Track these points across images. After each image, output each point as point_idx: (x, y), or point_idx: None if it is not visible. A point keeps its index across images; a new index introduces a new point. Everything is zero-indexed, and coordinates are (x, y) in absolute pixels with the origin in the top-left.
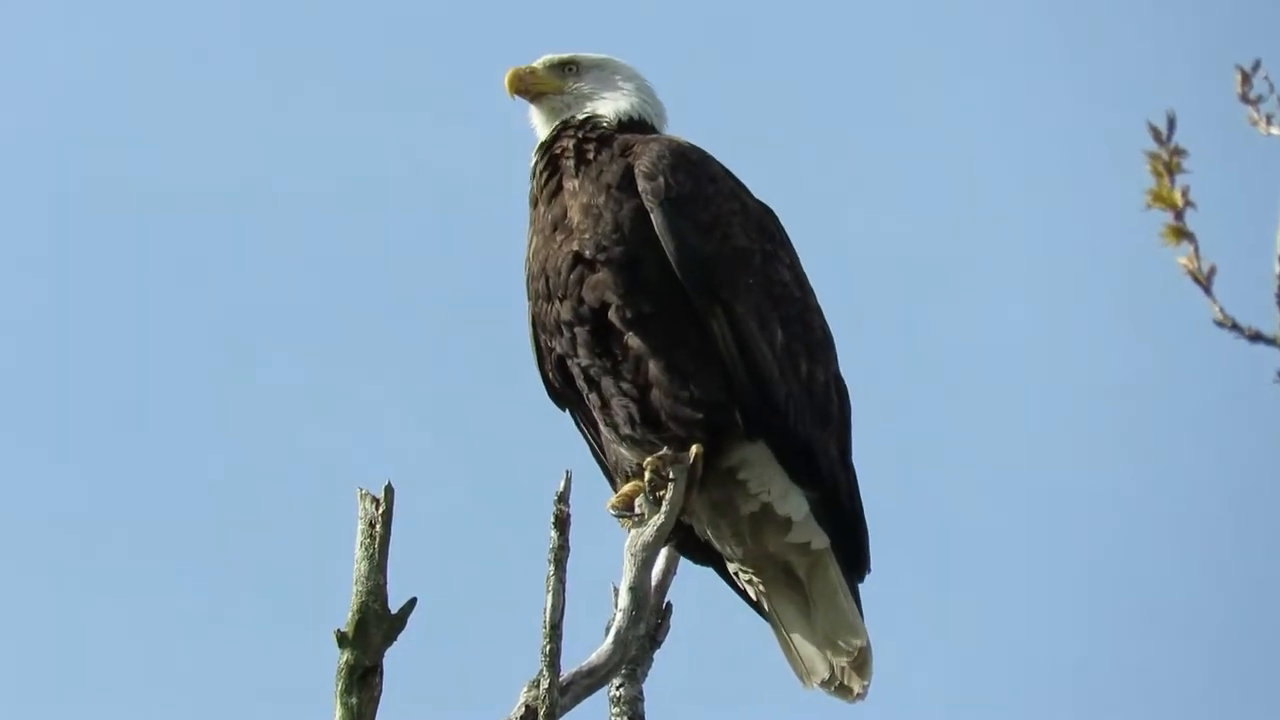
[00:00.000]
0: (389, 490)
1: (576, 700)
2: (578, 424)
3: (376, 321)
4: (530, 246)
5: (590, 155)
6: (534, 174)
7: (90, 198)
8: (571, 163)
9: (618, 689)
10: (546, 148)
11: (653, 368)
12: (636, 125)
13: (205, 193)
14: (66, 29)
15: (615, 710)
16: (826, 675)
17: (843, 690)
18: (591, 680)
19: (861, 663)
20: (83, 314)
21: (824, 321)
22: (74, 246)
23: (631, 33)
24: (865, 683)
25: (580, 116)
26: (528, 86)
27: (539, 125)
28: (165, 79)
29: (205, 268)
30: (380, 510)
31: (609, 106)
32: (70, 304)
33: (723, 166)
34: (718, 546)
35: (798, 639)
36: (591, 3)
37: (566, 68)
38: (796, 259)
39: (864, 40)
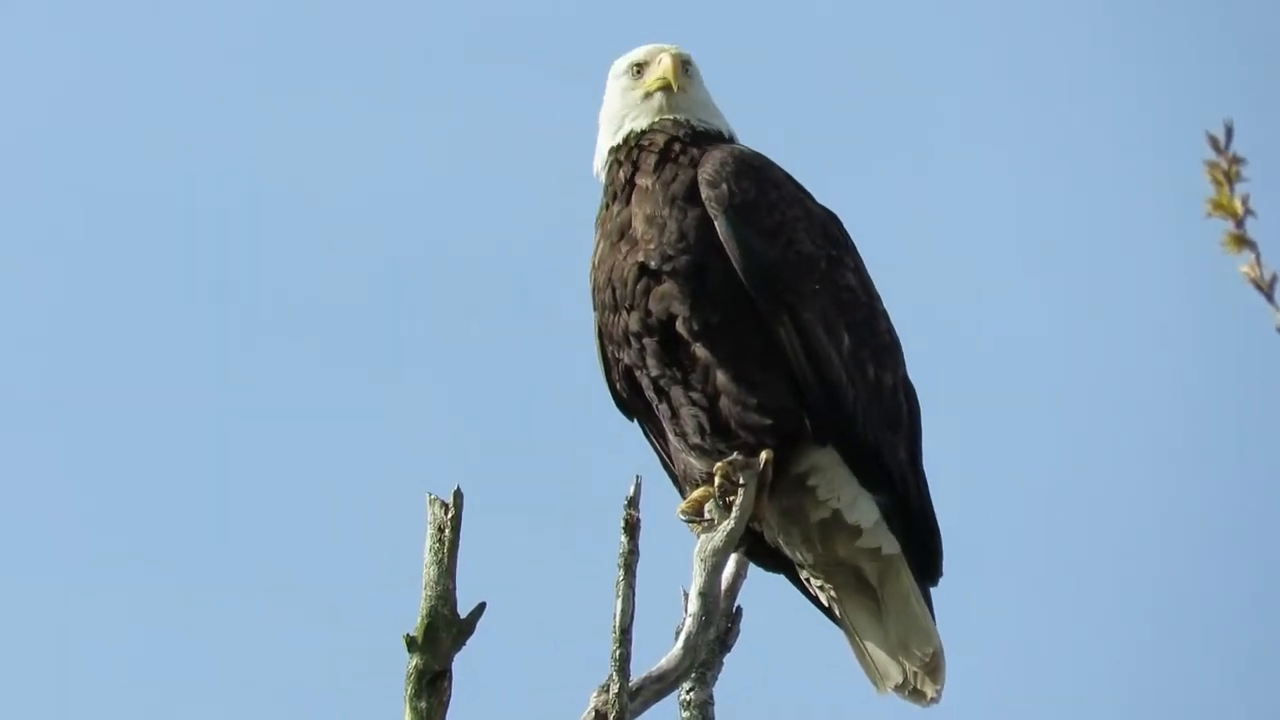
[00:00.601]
0: (458, 495)
1: (646, 705)
2: (646, 434)
3: (444, 321)
4: (597, 252)
5: (675, 154)
6: (615, 161)
7: (130, 199)
8: (654, 158)
9: (687, 693)
10: (637, 138)
11: (720, 376)
12: (725, 142)
13: (250, 195)
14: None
15: (685, 715)
16: (900, 680)
17: (916, 695)
18: (661, 685)
19: (935, 667)
20: (138, 317)
21: (890, 326)
22: (116, 249)
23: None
24: (939, 687)
25: (691, 119)
26: (681, 74)
27: (643, 112)
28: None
29: (273, 272)
30: (449, 515)
31: (718, 121)
32: (129, 309)
33: (785, 172)
34: (788, 553)
35: (870, 644)
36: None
37: (688, 68)
38: (861, 263)
39: (909, 40)
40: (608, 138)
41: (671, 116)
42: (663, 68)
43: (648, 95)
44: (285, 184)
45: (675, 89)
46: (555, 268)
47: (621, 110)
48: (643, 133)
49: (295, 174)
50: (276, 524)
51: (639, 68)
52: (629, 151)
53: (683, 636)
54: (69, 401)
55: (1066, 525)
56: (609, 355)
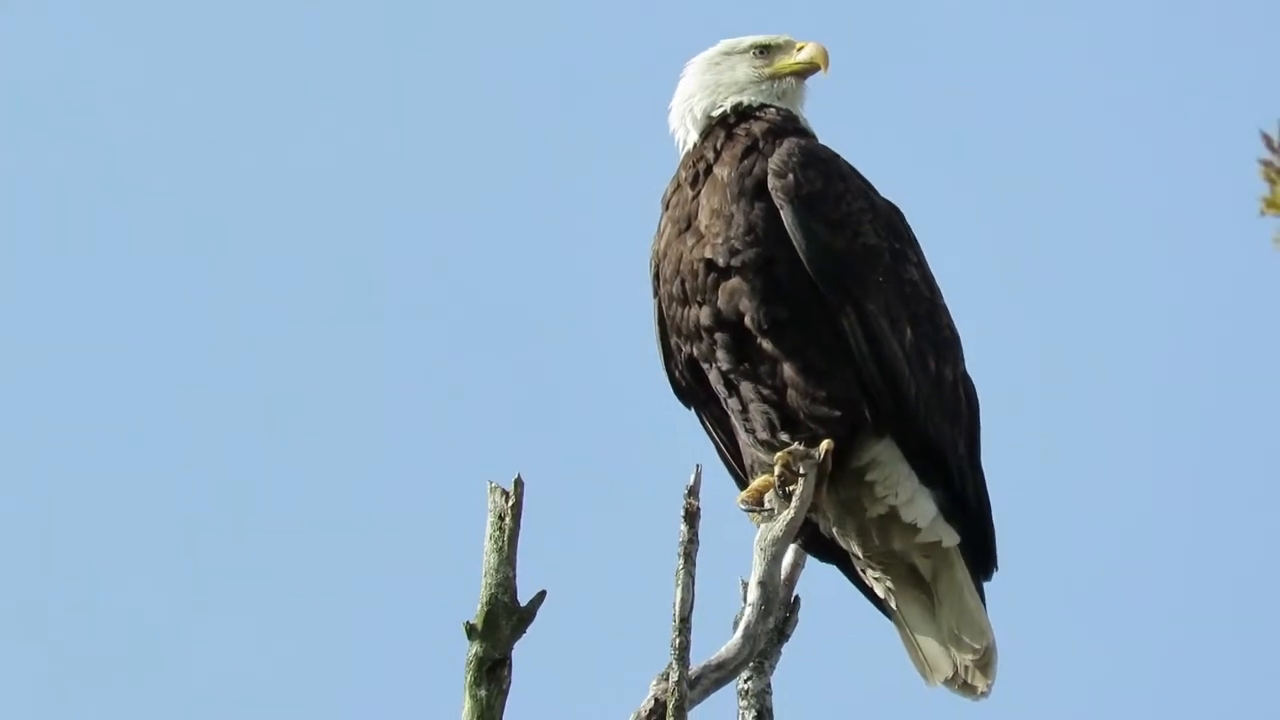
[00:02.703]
0: (518, 483)
1: (705, 693)
2: (703, 422)
3: (500, 306)
4: (662, 236)
5: (764, 145)
6: (710, 131)
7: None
8: (743, 146)
9: (746, 682)
10: (745, 112)
11: (788, 369)
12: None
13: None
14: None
15: (743, 703)
16: (950, 673)
17: (966, 688)
18: (720, 674)
19: (986, 661)
20: (191, 303)
21: (951, 321)
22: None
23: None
24: (989, 681)
25: (799, 116)
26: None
27: (762, 92)
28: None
29: (325, 263)
30: (510, 503)
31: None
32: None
33: (851, 166)
34: (843, 544)
35: (922, 637)
36: None
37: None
38: (924, 258)
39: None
40: (709, 104)
41: (786, 106)
42: (815, 51)
43: (777, 76)
44: (316, 181)
45: (826, 72)
46: (613, 255)
47: (733, 82)
48: (752, 109)
49: (325, 168)
50: (338, 511)
51: (763, 49)
52: (728, 128)
53: (742, 625)
54: (129, 394)
55: (1122, 523)
56: (672, 344)
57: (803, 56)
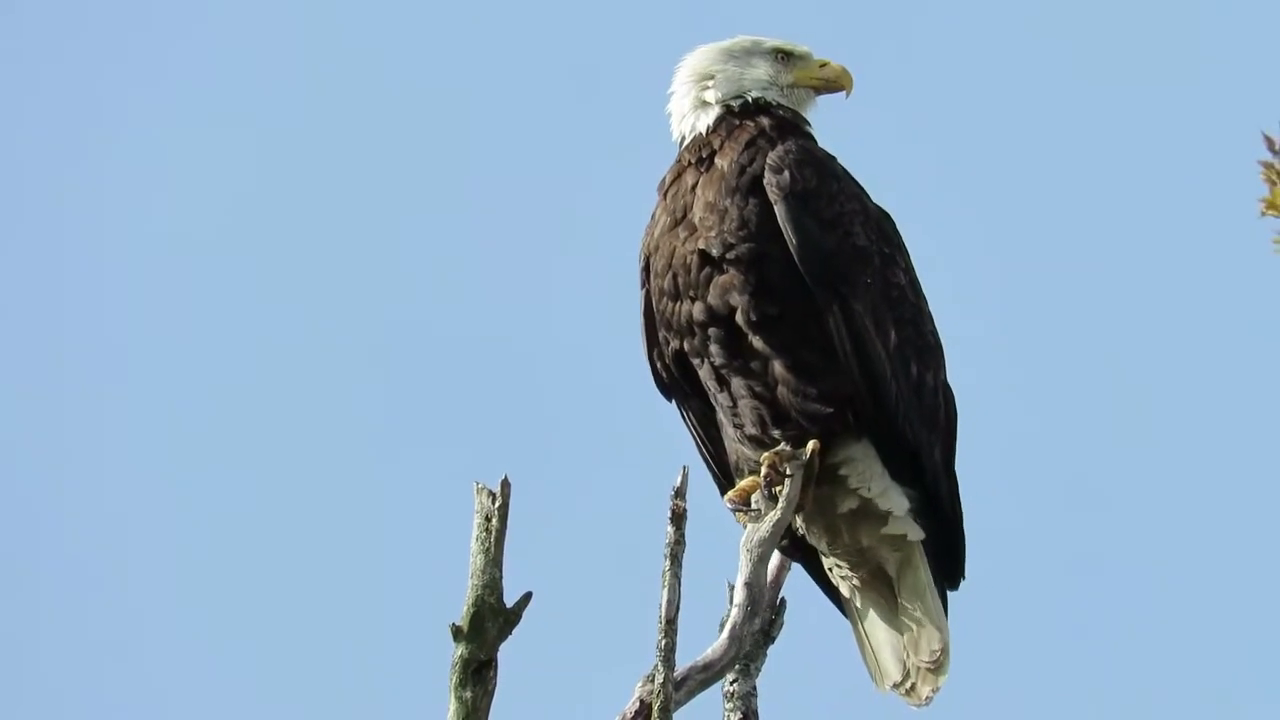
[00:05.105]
0: (505, 484)
1: (691, 695)
2: (684, 416)
3: (487, 311)
4: (656, 225)
5: (765, 139)
6: (724, 119)
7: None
8: (748, 137)
9: (731, 684)
10: (760, 106)
11: (778, 367)
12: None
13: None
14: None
15: (729, 705)
16: (899, 678)
17: (912, 692)
18: (706, 675)
19: (939, 664)
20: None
21: (935, 329)
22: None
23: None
24: (937, 685)
25: (808, 124)
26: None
27: (781, 95)
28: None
29: (310, 281)
30: (496, 504)
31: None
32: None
33: (846, 170)
34: (812, 541)
35: (878, 638)
36: None
37: None
38: (911, 265)
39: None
40: (730, 92)
41: (802, 113)
42: (843, 74)
43: (797, 85)
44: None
45: (848, 96)
46: (600, 255)
47: (755, 79)
48: (769, 105)
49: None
50: (324, 512)
51: (785, 55)
52: (739, 119)
53: (728, 627)
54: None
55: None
56: (660, 337)
57: (828, 75)
